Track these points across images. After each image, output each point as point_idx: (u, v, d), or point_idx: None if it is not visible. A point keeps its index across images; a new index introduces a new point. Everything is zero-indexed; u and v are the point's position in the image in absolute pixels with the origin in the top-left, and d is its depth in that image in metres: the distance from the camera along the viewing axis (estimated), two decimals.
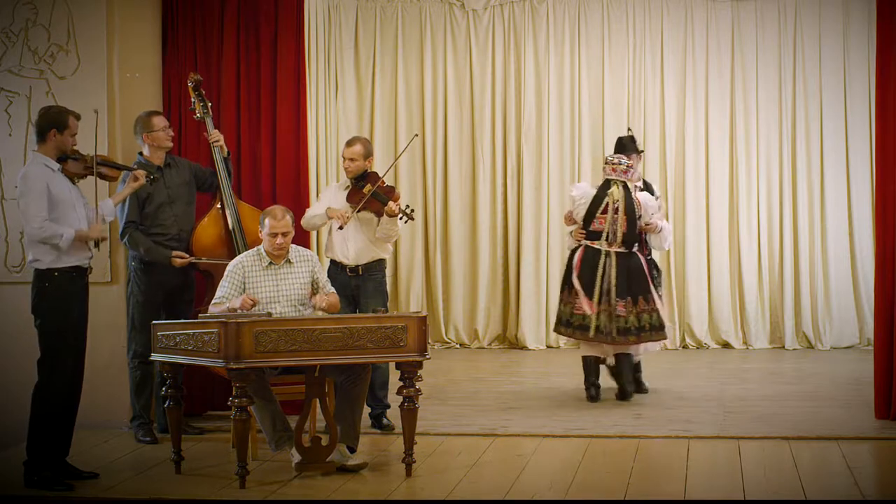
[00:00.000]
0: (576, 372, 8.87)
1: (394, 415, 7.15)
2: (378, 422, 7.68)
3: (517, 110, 11.33)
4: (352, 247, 7.62)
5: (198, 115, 7.75)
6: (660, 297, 8.49)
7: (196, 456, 6.97)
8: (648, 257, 8.67)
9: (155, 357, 6.72)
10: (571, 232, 8.61)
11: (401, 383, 6.52)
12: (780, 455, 6.87)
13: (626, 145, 8.70)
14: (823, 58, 11.03)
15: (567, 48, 11.27)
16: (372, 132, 11.28)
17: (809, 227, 11.07)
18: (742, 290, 11.18)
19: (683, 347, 11.09)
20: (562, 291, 8.61)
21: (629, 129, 9.06)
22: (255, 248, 7.04)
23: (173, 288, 7.55)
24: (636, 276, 8.36)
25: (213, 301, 6.95)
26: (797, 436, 7.28)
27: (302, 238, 7.66)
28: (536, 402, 8.57)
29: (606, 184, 8.49)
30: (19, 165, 7.27)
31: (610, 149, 10.77)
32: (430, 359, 6.51)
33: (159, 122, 7.55)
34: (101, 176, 6.69)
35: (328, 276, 7.50)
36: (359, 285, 7.63)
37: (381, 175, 7.68)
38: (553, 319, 8.95)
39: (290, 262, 6.99)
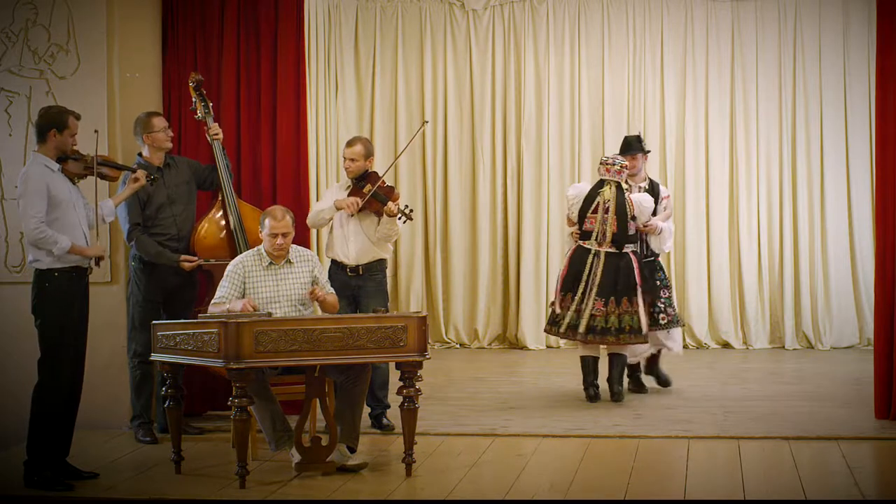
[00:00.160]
0: (576, 372, 8.87)
1: (394, 415, 7.15)
2: (378, 422, 7.68)
3: (517, 110, 11.33)
4: (352, 247, 7.63)
5: (199, 115, 7.75)
6: (646, 300, 8.42)
7: (196, 456, 6.97)
8: (648, 258, 8.64)
9: (155, 357, 6.72)
10: (571, 233, 8.61)
11: (401, 383, 6.52)
12: (780, 455, 6.87)
13: (632, 144, 8.69)
14: (823, 58, 11.03)
15: (567, 48, 11.27)
16: (372, 132, 11.28)
17: (809, 227, 11.08)
18: (742, 290, 11.18)
19: (683, 347, 11.06)
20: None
21: (638, 129, 9.04)
22: (255, 248, 7.04)
23: (173, 288, 7.55)
24: (623, 277, 8.32)
25: (212, 301, 6.95)
26: (797, 436, 7.28)
27: (302, 238, 7.66)
28: (536, 402, 8.57)
29: (600, 184, 8.50)
30: (19, 165, 7.27)
31: (610, 149, 10.84)
32: (430, 359, 6.51)
33: (159, 122, 7.55)
34: (102, 176, 6.69)
35: (329, 277, 7.50)
36: (360, 285, 7.63)
37: (381, 174, 7.68)
38: None
39: (290, 262, 6.99)
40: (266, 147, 8.12)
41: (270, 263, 6.95)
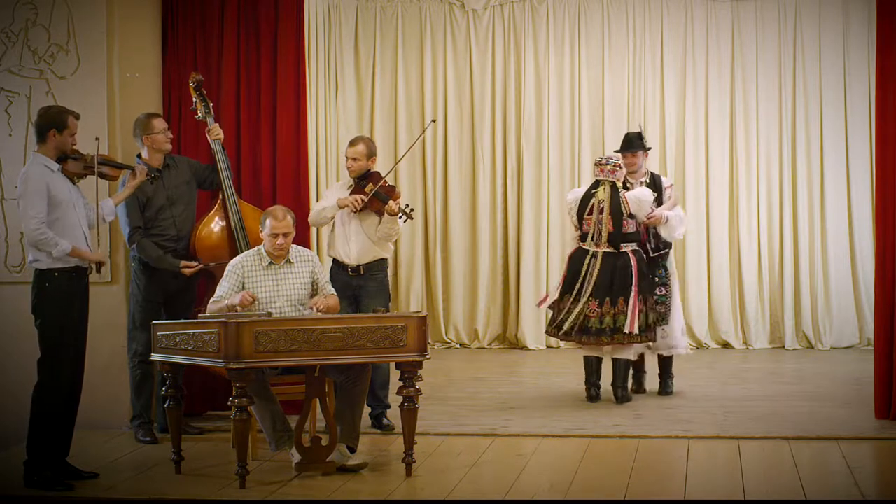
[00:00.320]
0: (576, 372, 8.87)
1: (394, 415, 7.15)
2: (378, 422, 7.68)
3: (517, 110, 11.33)
4: (353, 246, 7.63)
5: (199, 115, 7.75)
6: (646, 300, 8.38)
7: (196, 456, 6.97)
8: (662, 251, 8.58)
9: (155, 357, 6.72)
10: (576, 237, 8.59)
11: (401, 383, 6.52)
12: (780, 455, 6.87)
13: (633, 141, 8.67)
14: (823, 58, 11.03)
15: (567, 48, 11.27)
16: (372, 132, 11.28)
17: (809, 227, 11.08)
18: (742, 290, 11.18)
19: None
20: None
21: (640, 126, 9.02)
22: (255, 248, 7.04)
23: (174, 288, 7.55)
24: (619, 277, 8.29)
25: (211, 300, 6.95)
26: (797, 436, 7.28)
27: (302, 238, 7.66)
28: (536, 402, 8.57)
29: (595, 184, 8.49)
30: (19, 165, 7.27)
31: (610, 148, 10.83)
32: (430, 359, 6.52)
33: (159, 124, 7.54)
34: (102, 175, 6.69)
35: (330, 276, 7.51)
36: (361, 285, 7.63)
37: (383, 174, 7.68)
38: None
39: (290, 262, 6.99)
40: (266, 147, 8.12)
41: (270, 263, 6.95)
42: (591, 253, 8.39)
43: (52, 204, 6.37)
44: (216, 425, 7.79)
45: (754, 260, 11.16)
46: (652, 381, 8.89)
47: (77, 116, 6.54)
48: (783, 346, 11.03)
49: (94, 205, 6.63)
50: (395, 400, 6.82)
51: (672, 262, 8.76)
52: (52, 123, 6.44)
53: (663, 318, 8.57)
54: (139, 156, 7.54)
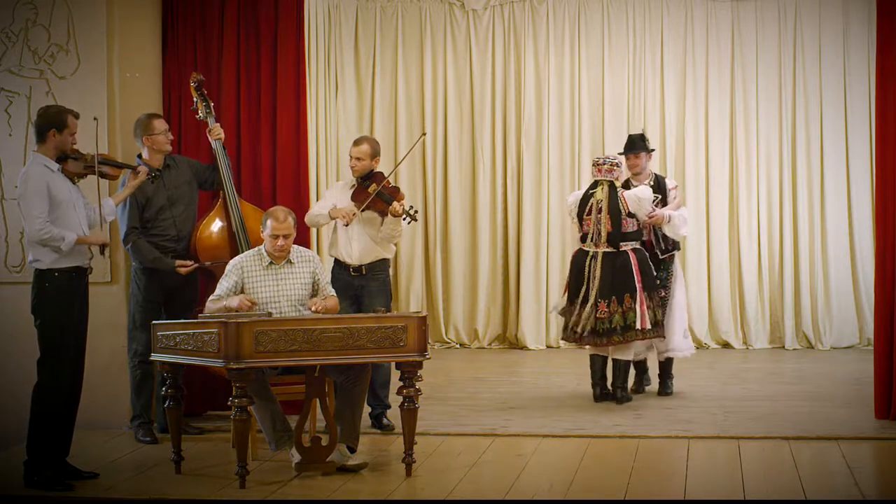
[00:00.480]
0: (576, 372, 8.88)
1: (394, 415, 7.15)
2: (378, 422, 7.68)
3: (517, 110, 11.33)
4: (355, 246, 7.62)
5: (200, 114, 7.75)
6: (650, 296, 8.38)
7: (196, 456, 6.97)
8: (668, 252, 8.56)
9: (155, 357, 6.72)
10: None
11: (401, 383, 6.52)
12: (780, 455, 6.87)
13: (635, 143, 8.67)
14: (823, 58, 11.03)
15: (567, 48, 11.27)
16: (372, 132, 11.28)
17: (809, 227, 11.07)
18: (742, 290, 11.18)
19: None
20: None
21: (641, 129, 9.02)
22: (255, 248, 7.04)
23: (174, 288, 7.55)
24: (621, 275, 8.28)
25: (211, 297, 6.96)
26: (797, 436, 7.28)
27: (303, 238, 7.66)
28: (536, 402, 8.57)
29: (594, 185, 8.49)
30: (19, 165, 7.27)
31: (610, 148, 10.84)
32: (430, 359, 6.52)
33: (160, 125, 7.54)
34: (102, 175, 6.69)
35: (332, 276, 7.52)
36: (363, 285, 7.63)
37: (386, 175, 7.67)
38: (553, 320, 8.95)
39: (290, 262, 6.99)
40: (266, 147, 8.12)
41: (270, 263, 6.95)
42: (591, 254, 8.38)
43: (52, 204, 6.37)
44: (216, 425, 7.79)
45: (754, 260, 11.16)
46: (652, 381, 8.89)
47: (77, 116, 6.54)
48: (783, 346, 11.03)
49: (94, 204, 6.63)
50: (395, 400, 6.83)
51: (677, 263, 8.75)
52: (52, 123, 6.43)
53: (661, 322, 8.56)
54: (140, 156, 7.54)
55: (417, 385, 6.51)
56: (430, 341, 7.27)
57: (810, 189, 11.07)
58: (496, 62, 11.35)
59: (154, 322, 6.83)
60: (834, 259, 11.04)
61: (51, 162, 6.45)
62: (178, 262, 7.44)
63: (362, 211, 7.55)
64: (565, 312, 8.51)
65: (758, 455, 6.87)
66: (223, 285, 6.92)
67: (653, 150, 8.83)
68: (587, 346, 8.43)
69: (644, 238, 8.50)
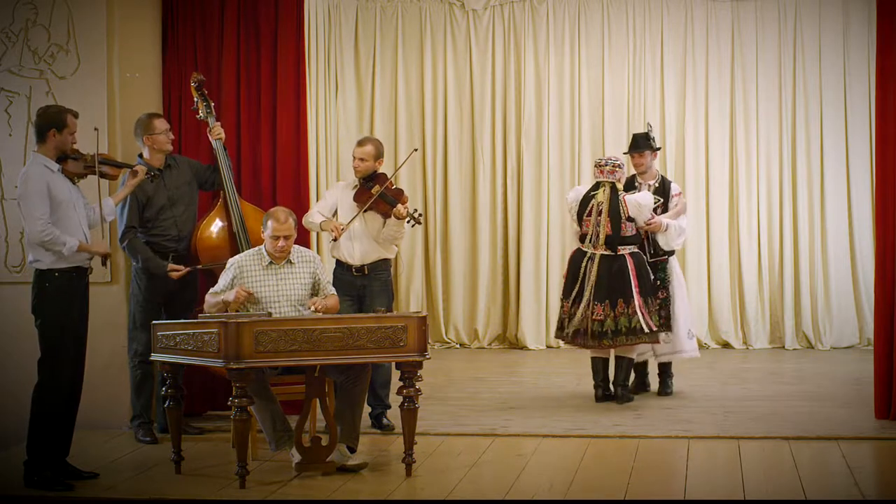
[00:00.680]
0: (576, 372, 8.87)
1: (394, 415, 7.15)
2: (378, 422, 7.68)
3: (517, 110, 11.33)
4: (357, 247, 7.62)
5: (201, 115, 7.75)
6: (647, 300, 8.36)
7: (196, 456, 6.97)
8: (659, 257, 8.57)
9: (155, 357, 6.72)
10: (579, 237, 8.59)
11: (401, 383, 6.52)
12: (780, 455, 6.87)
13: (639, 142, 8.66)
14: (823, 58, 11.03)
15: (567, 48, 11.27)
16: (372, 132, 11.28)
17: (809, 227, 11.08)
18: (742, 290, 11.18)
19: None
20: None
21: (648, 126, 9.00)
22: (256, 248, 7.04)
23: (174, 288, 7.54)
24: (617, 279, 8.26)
25: (210, 290, 6.97)
26: (797, 436, 7.28)
27: (303, 238, 7.66)
28: (536, 402, 8.57)
29: (595, 186, 8.49)
30: (19, 165, 7.27)
31: (610, 148, 10.85)
32: (430, 359, 6.52)
33: (160, 124, 7.54)
34: (102, 175, 6.69)
35: (334, 276, 7.52)
36: (365, 285, 7.63)
37: (388, 177, 7.67)
38: (553, 320, 8.95)
39: (290, 262, 6.99)
40: (266, 147, 8.12)
41: (270, 263, 6.95)
42: (588, 255, 8.38)
43: (52, 204, 6.37)
44: (216, 425, 7.79)
45: (754, 260, 11.16)
46: (652, 381, 8.89)
47: (76, 115, 6.53)
48: (783, 346, 11.03)
49: (94, 204, 6.63)
50: (395, 400, 6.83)
51: (675, 264, 8.74)
52: (52, 123, 6.43)
53: (666, 324, 8.55)
54: (141, 155, 7.54)
55: (417, 385, 6.51)
56: (430, 341, 7.27)
57: (810, 189, 11.07)
58: (496, 62, 11.35)
59: (154, 322, 6.83)
60: (834, 259, 11.04)
61: (51, 162, 6.44)
62: (171, 265, 7.43)
63: (364, 212, 7.55)
64: (560, 311, 8.51)
65: (758, 455, 6.87)
66: (222, 281, 6.95)
67: (658, 148, 8.82)
68: (577, 347, 8.44)
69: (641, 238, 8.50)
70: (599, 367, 8.48)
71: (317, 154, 10.90)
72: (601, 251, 8.35)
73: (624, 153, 8.79)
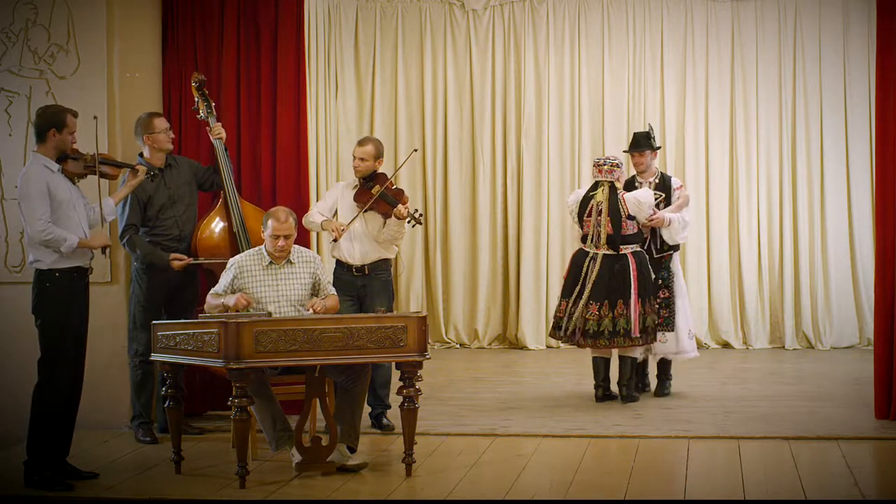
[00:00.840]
0: (576, 372, 8.86)
1: (394, 415, 7.15)
2: (378, 422, 7.68)
3: (517, 110, 11.33)
4: (357, 247, 7.62)
5: (201, 114, 7.75)
6: (645, 302, 8.34)
7: (196, 456, 6.97)
8: (664, 253, 8.55)
9: (155, 357, 6.72)
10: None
11: (401, 383, 6.52)
12: (780, 455, 6.87)
13: (640, 141, 8.65)
14: (823, 58, 11.04)
15: (567, 48, 11.27)
16: (372, 132, 11.28)
17: (809, 227, 11.08)
18: (742, 290, 11.18)
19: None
20: None
21: (649, 126, 9.00)
22: (256, 248, 7.04)
23: (175, 288, 7.55)
24: (618, 279, 8.25)
25: (211, 291, 6.97)
26: (797, 436, 7.28)
27: (303, 238, 7.66)
28: (536, 402, 8.57)
29: (594, 186, 8.48)
30: (19, 165, 7.28)
31: (610, 148, 10.84)
32: (430, 359, 6.52)
33: (160, 123, 7.54)
34: (102, 175, 6.69)
35: (334, 276, 7.52)
36: (365, 285, 7.63)
37: (388, 177, 7.67)
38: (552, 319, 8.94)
39: (290, 262, 6.99)
40: (266, 147, 8.12)
41: (270, 263, 6.95)
42: (590, 255, 8.38)
43: (52, 204, 6.37)
44: (216, 425, 7.79)
45: (754, 260, 11.16)
46: (652, 381, 8.89)
47: (75, 115, 6.53)
48: (783, 346, 11.03)
49: (94, 204, 6.62)
50: (395, 400, 6.83)
51: (677, 263, 8.73)
52: (52, 123, 6.43)
53: (668, 323, 8.54)
54: (141, 155, 7.54)
55: (417, 385, 6.51)
56: (430, 341, 7.27)
57: (810, 189, 11.07)
58: (496, 62, 11.35)
59: (154, 322, 6.82)
60: (834, 259, 11.05)
61: (51, 162, 6.44)
62: (173, 255, 7.43)
63: (365, 212, 7.55)
64: (558, 310, 8.51)
65: (758, 455, 6.87)
66: (222, 282, 6.95)
67: (658, 147, 8.81)
68: (576, 346, 8.44)
69: (644, 236, 8.50)
70: (600, 366, 8.48)
71: (317, 154, 10.90)
72: (603, 251, 8.35)
73: (624, 151, 8.79)
